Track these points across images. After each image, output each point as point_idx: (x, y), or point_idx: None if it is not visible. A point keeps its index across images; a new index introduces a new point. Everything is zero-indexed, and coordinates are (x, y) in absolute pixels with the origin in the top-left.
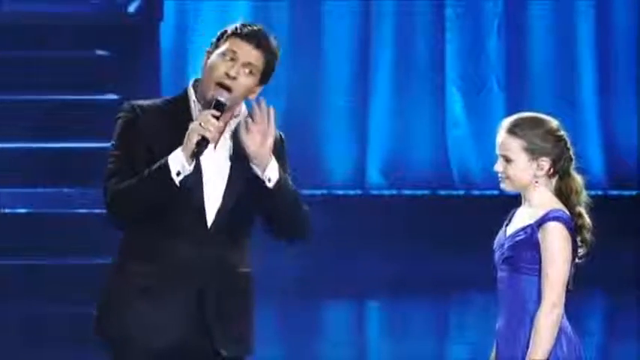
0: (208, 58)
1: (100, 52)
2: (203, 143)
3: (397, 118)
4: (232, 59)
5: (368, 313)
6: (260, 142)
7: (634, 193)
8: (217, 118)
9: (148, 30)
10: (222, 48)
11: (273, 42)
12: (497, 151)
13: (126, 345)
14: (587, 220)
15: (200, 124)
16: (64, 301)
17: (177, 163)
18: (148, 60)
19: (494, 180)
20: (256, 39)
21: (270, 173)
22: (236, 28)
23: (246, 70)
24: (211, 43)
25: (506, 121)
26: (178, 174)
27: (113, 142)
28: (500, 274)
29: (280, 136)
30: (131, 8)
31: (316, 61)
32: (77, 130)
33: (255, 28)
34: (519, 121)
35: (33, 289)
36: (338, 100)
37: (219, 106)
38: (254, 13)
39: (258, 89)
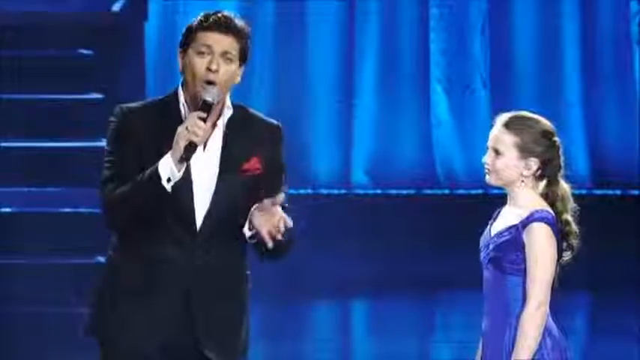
0: (183, 58)
1: (84, 52)
2: (191, 148)
3: (382, 118)
4: (208, 53)
5: (352, 312)
6: (267, 219)
7: (618, 192)
8: (204, 119)
9: (133, 29)
10: (195, 45)
11: (240, 22)
12: (489, 144)
13: (114, 346)
14: (574, 227)
15: (187, 127)
16: (49, 301)
17: (167, 169)
18: (132, 59)
19: (479, 179)
20: (224, 26)
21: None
22: (200, 22)
23: (225, 59)
24: (180, 44)
25: (505, 116)
26: (169, 180)
27: (106, 148)
28: (485, 273)
29: (278, 126)
30: (115, 7)
31: (301, 60)
32: (61, 129)
33: (218, 15)
34: (517, 118)
35: (15, 290)
36: (323, 99)
37: (206, 107)
38: (240, 13)
39: (241, 71)
